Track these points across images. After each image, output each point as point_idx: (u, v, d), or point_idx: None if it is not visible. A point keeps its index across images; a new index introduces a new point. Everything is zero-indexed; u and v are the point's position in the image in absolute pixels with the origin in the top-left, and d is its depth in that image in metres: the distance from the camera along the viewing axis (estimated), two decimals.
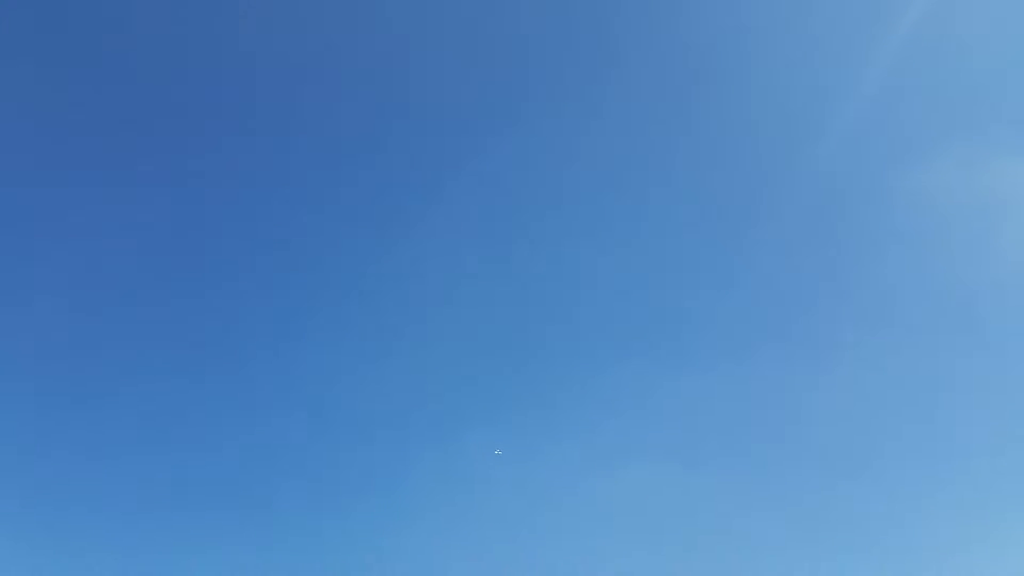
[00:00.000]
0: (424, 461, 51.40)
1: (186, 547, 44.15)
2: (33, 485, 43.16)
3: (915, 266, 56.52)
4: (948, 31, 55.22)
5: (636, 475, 48.69)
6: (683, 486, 49.12)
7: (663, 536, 48.12)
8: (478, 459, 50.44)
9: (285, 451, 52.02)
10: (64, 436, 48.63)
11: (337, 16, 57.33)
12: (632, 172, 61.22)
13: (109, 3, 55.34)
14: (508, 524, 48.65)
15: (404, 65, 57.55)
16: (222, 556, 43.31)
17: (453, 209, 60.38)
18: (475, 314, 57.73)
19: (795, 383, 53.73)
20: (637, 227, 59.46)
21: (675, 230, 59.00)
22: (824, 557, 46.38)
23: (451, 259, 58.59)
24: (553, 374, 55.44)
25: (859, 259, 56.12)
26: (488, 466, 50.48)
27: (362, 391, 54.63)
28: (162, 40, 54.60)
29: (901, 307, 57.17)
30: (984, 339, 53.36)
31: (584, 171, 61.42)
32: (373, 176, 58.74)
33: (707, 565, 46.23)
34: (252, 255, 56.71)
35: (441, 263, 58.75)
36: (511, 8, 56.33)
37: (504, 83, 58.95)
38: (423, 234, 61.08)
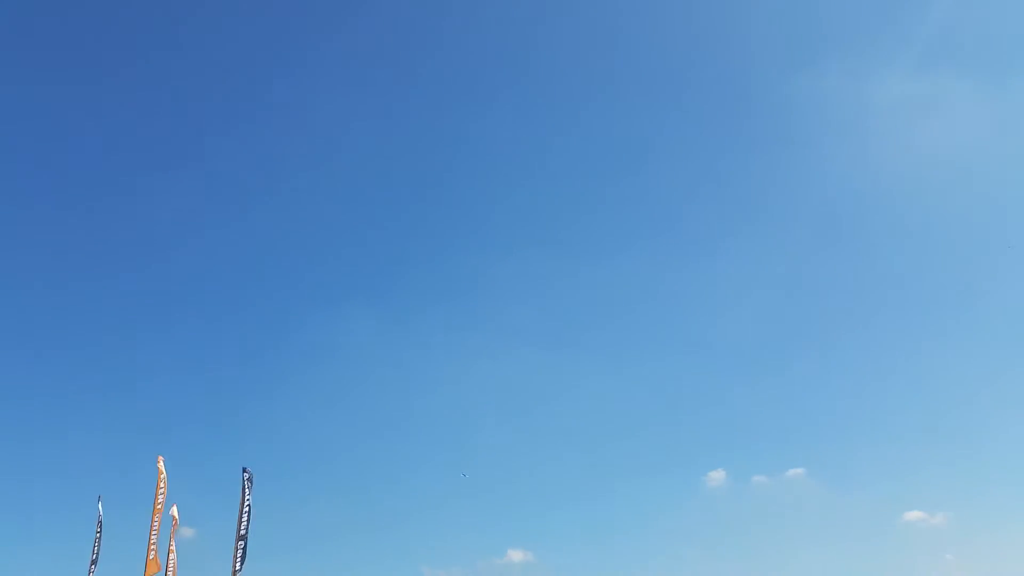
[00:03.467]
0: (306, 333, 52.15)
1: None
2: None
3: (788, 166, 58.08)
4: None
5: (517, 358, 50.06)
6: (560, 368, 50.69)
7: (536, 414, 49.56)
8: (363, 334, 51.09)
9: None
10: None
11: None
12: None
13: None
14: (386, 397, 49.55)
15: None
16: None
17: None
18: (376, 197, 58.27)
19: (675, 275, 55.45)
20: (532, 120, 60.76)
21: (569, 129, 60.33)
22: (687, 438, 47.83)
23: (352, 150, 59.52)
24: (445, 261, 56.80)
25: (737, 161, 57.96)
26: (371, 341, 51.03)
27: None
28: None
29: (772, 205, 58.46)
30: (843, 233, 55.13)
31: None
32: None
33: (577, 440, 47.60)
34: None
35: (347, 154, 59.49)
36: None
37: None
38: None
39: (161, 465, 20.06)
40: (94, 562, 20.48)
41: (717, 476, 44.47)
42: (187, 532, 31.83)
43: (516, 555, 38.27)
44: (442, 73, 60.71)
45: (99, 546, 20.68)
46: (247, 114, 61.49)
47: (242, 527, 18.39)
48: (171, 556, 19.76)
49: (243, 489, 18.89)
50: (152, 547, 19.05)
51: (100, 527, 20.85)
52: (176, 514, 20.40)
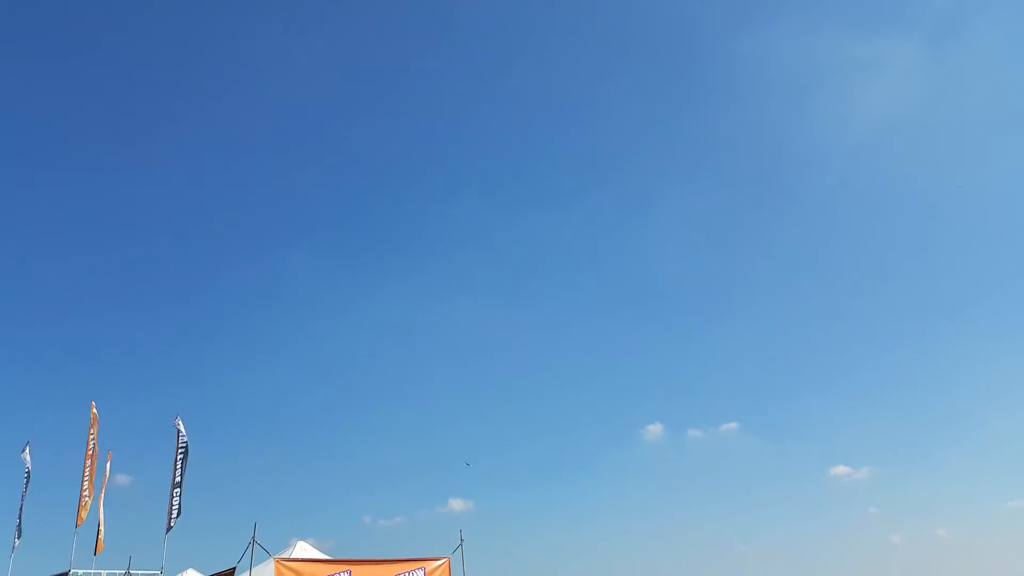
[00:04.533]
0: (246, 278, 51.91)
1: None
2: None
3: (730, 124, 59.25)
4: None
5: (459, 307, 50.91)
6: (502, 319, 51.79)
7: (478, 364, 50.70)
8: (304, 280, 51.09)
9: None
10: None
11: None
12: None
13: None
14: (327, 345, 49.88)
15: None
16: None
17: None
18: (319, 144, 57.26)
19: (616, 230, 56.52)
20: (474, 72, 60.15)
21: (511, 82, 60.26)
22: (625, 391, 49.88)
23: (293, 96, 58.02)
24: (388, 209, 56.58)
25: (679, 117, 58.84)
26: (312, 288, 51.07)
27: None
28: None
29: (713, 163, 59.98)
30: (782, 193, 57.03)
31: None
32: None
33: (518, 391, 49.14)
34: None
35: (287, 100, 57.95)
36: None
37: None
38: None
39: (94, 410, 19.50)
40: (21, 508, 19.91)
41: (654, 429, 45.74)
42: (122, 479, 31.26)
43: (457, 504, 38.93)
44: (384, 22, 58.74)
45: (26, 492, 20.09)
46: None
47: (177, 475, 18.08)
48: (101, 504, 19.34)
49: (177, 436, 18.52)
50: (85, 494, 18.59)
51: (28, 475, 20.23)
52: (109, 461, 19.93)
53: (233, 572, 13.10)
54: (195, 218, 55.14)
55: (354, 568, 12.94)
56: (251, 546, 12.17)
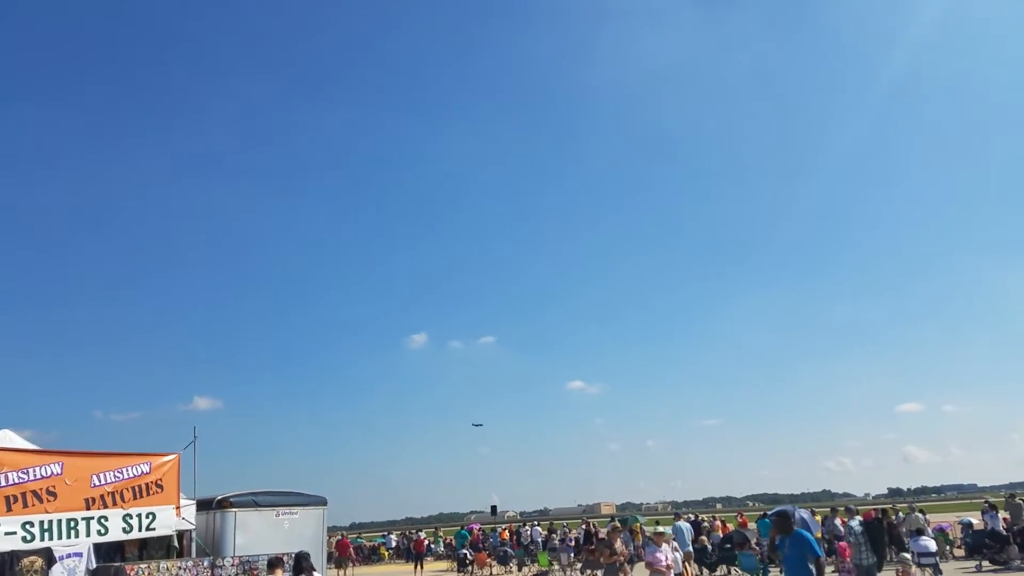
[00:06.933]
0: None
1: None
2: None
3: (523, 58, 65.43)
4: None
5: (228, 193, 51.33)
6: (276, 211, 53.40)
7: (243, 257, 51.58)
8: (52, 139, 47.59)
9: None
10: None
11: None
12: None
13: None
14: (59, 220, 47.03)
15: None
16: None
17: None
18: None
19: (423, 145, 60.69)
20: None
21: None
22: (393, 301, 54.22)
23: None
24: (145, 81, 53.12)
25: (481, 48, 63.24)
26: (54, 152, 47.30)
27: None
28: None
29: (506, 90, 65.77)
30: (559, 124, 64.80)
31: None
32: None
33: (284, 288, 51.06)
34: None
35: None
36: None
37: None
38: None
39: None
40: None
41: (419, 339, 47.69)
42: None
43: (203, 403, 37.31)
44: None
45: None
46: None
47: None
48: None
49: None
50: None
51: None
52: None
53: None
54: None
55: (67, 460, 12.01)
56: None
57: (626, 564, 13.48)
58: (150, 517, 12.74)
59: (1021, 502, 22.92)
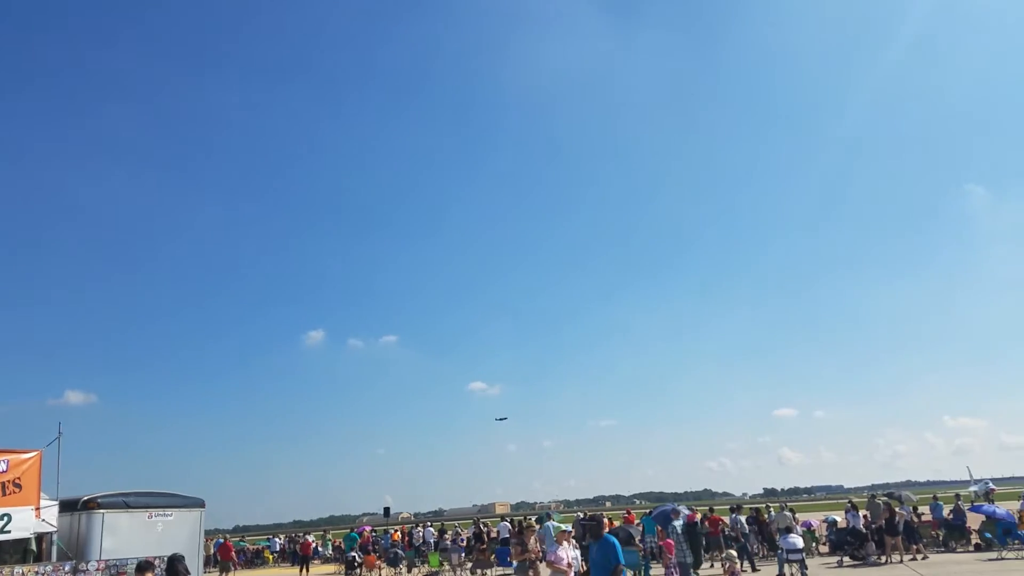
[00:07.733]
0: None
1: None
2: None
3: (435, 38, 64.93)
4: None
5: (127, 177, 49.40)
6: (176, 196, 51.32)
7: (138, 246, 49.35)
8: None
9: None
10: None
11: None
12: None
13: None
14: None
15: None
16: None
17: None
18: None
19: (308, 126, 59.55)
20: None
21: None
22: (289, 296, 53.33)
23: None
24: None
25: (401, 42, 63.06)
26: None
27: None
28: None
29: (429, 89, 65.24)
30: (470, 117, 65.75)
31: None
32: None
33: (177, 278, 49.21)
34: None
35: None
36: None
37: None
38: None
39: None
40: None
41: (316, 335, 46.40)
42: None
43: (75, 397, 34.78)
44: None
45: None
46: None
47: None
48: None
49: None
50: None
51: None
52: None
53: None
54: None
55: None
56: None
57: (537, 562, 13.62)
58: (5, 519, 11.76)
59: (880, 502, 24.80)
